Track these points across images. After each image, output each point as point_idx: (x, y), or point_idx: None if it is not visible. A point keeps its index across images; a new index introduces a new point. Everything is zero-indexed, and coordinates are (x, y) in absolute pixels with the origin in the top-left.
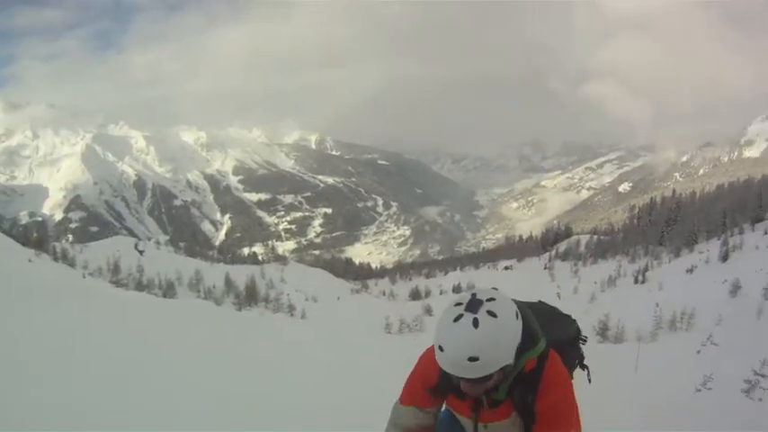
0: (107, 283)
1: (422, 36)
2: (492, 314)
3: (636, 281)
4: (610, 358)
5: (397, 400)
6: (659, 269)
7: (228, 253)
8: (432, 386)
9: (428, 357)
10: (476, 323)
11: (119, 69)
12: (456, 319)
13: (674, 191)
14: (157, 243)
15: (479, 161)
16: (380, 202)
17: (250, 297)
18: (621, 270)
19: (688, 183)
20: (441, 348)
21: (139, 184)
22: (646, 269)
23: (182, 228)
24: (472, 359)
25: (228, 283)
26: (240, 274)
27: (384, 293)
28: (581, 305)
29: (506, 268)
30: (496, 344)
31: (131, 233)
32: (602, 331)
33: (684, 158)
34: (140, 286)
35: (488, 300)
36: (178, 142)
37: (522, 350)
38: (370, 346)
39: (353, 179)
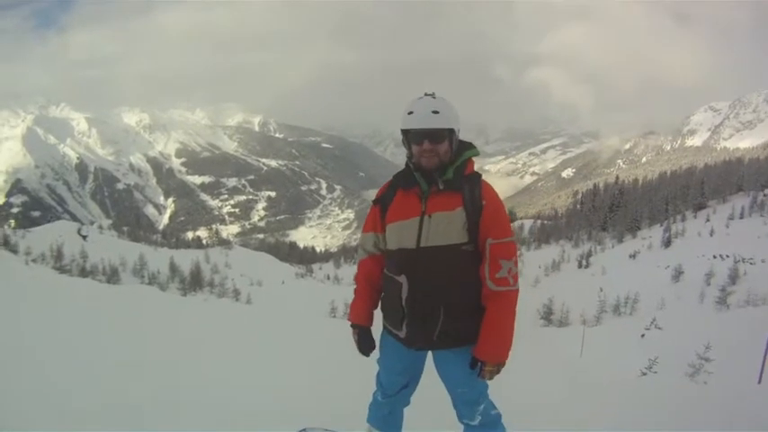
0: (51, 270)
1: (366, 21)
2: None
3: (579, 265)
4: (554, 341)
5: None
6: (603, 254)
7: (172, 237)
8: (385, 191)
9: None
10: (434, 96)
11: (60, 49)
12: (420, 98)
13: (617, 177)
14: (100, 228)
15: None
16: (324, 185)
17: (195, 282)
18: (565, 255)
19: (631, 170)
20: (410, 112)
21: (81, 168)
22: (589, 254)
23: (125, 211)
24: (435, 112)
25: (173, 267)
26: (184, 259)
27: (329, 277)
28: (525, 289)
29: None
30: (450, 106)
31: (74, 217)
32: (547, 315)
33: (627, 146)
34: (84, 272)
35: None
36: (120, 124)
37: (461, 148)
38: (315, 330)
39: (297, 162)
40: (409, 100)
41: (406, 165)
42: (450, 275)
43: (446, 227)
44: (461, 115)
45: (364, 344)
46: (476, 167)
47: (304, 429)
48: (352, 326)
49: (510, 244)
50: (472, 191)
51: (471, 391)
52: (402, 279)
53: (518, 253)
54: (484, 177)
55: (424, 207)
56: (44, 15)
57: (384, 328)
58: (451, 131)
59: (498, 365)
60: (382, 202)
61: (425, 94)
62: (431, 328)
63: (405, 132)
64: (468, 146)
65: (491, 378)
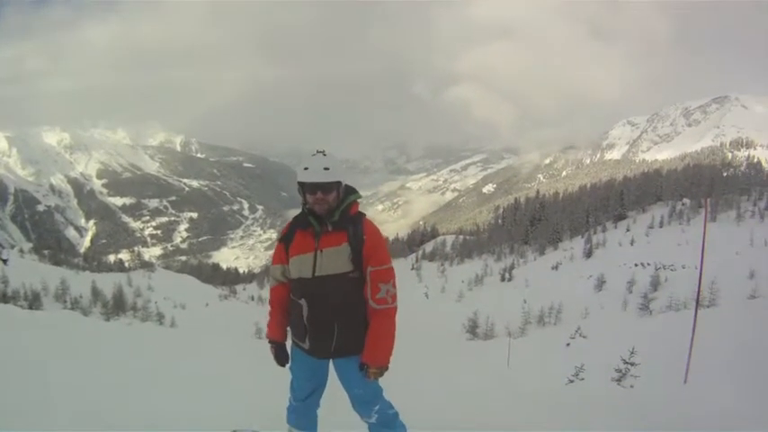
0: None
1: (287, 40)
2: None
3: (503, 279)
4: (481, 354)
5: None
6: (525, 267)
7: (94, 260)
8: (287, 231)
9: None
10: (324, 153)
11: None
12: (313, 155)
13: (537, 191)
14: (21, 251)
15: (345, 164)
16: (246, 205)
17: (118, 306)
18: (488, 269)
19: (551, 184)
20: (305, 168)
21: (1, 189)
22: (512, 267)
23: (45, 234)
24: (326, 168)
25: (95, 292)
26: (107, 283)
27: (253, 298)
28: (449, 304)
29: None
30: (338, 163)
31: None
32: (472, 329)
33: (548, 160)
34: (5, 298)
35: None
36: (41, 144)
37: (347, 193)
38: (240, 352)
39: (219, 182)
40: (303, 157)
41: (302, 210)
42: (341, 298)
43: (335, 259)
44: (383, 132)
45: (280, 357)
46: (397, 185)
47: (234, 430)
48: (269, 342)
49: (387, 270)
50: (355, 228)
51: (366, 393)
52: (303, 302)
53: (395, 277)
54: (407, 194)
55: (317, 244)
56: None
57: (293, 341)
58: (339, 183)
59: (381, 368)
60: (286, 240)
61: (317, 152)
62: (328, 341)
63: (301, 184)
64: (352, 191)
65: (376, 378)
